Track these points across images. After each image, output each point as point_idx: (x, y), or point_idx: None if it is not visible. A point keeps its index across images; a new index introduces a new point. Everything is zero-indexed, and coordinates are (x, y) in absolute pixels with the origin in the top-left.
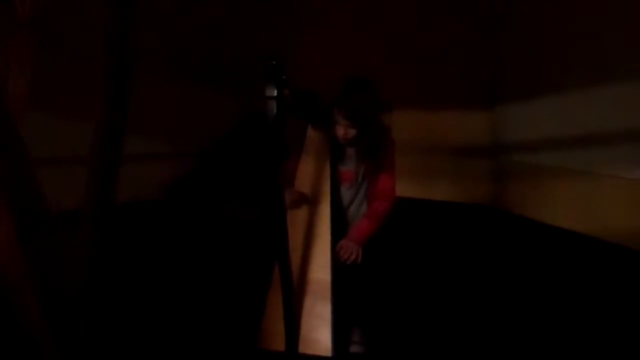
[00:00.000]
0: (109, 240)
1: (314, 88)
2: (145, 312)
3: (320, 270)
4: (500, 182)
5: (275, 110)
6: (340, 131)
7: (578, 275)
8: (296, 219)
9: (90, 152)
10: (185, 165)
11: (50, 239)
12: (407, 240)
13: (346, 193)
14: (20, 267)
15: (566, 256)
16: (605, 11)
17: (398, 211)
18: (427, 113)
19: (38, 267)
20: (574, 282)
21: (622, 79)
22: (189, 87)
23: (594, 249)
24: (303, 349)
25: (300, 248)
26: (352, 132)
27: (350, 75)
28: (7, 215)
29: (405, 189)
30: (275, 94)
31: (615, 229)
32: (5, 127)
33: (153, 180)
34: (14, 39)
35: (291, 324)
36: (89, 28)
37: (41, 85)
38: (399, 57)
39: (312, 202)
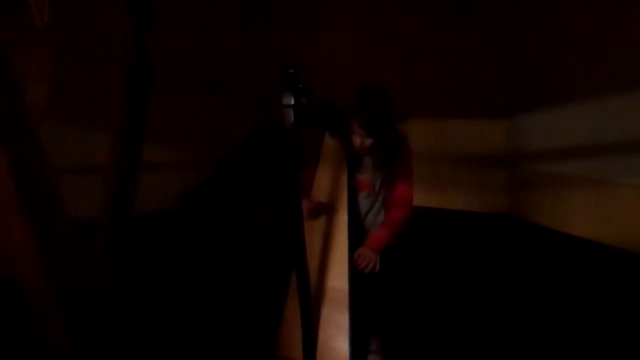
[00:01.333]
0: (127, 248)
1: (329, 95)
2: (163, 319)
3: (338, 279)
4: (517, 191)
5: (292, 119)
6: (357, 141)
7: (595, 283)
8: (313, 227)
9: (109, 161)
10: (203, 173)
11: (68, 246)
12: (425, 250)
13: (364, 201)
14: (39, 274)
15: (583, 265)
16: (623, 21)
17: (415, 221)
18: (444, 121)
19: (57, 274)
20: (590, 291)
21: (638, 87)
22: (206, 96)
23: (611, 257)
24: (320, 358)
25: (318, 256)
26: (368, 142)
27: (365, 83)
28: (26, 222)
29: (421, 198)
30: (293, 103)
31: (632, 237)
32: (25, 135)
33: (171, 189)
34: (32, 48)
35: (308, 332)
36: (107, 37)
37: (61, 94)
38: (416, 65)
39: (329, 210)
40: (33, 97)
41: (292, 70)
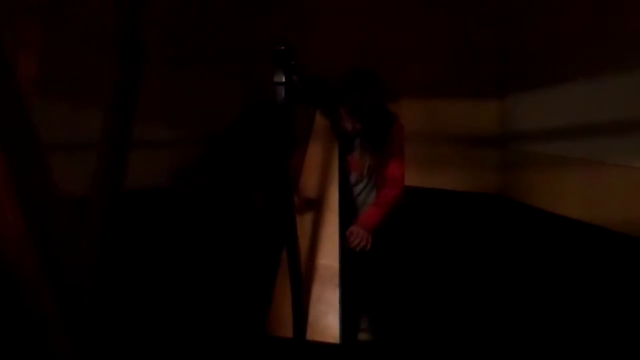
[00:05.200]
0: (117, 226)
1: (323, 74)
2: (153, 297)
3: (329, 257)
4: (508, 172)
5: (283, 97)
6: (347, 125)
7: (585, 264)
8: (304, 206)
9: (100, 138)
10: (194, 151)
11: (59, 224)
12: (416, 229)
13: (355, 181)
14: (30, 253)
15: (573, 245)
16: (616, 2)
17: (407, 200)
18: (437, 103)
19: (47, 251)
20: (580, 271)
21: (631, 69)
22: (197, 74)
23: (601, 238)
24: (311, 335)
25: (309, 234)
26: (358, 126)
27: (351, 68)
28: (17, 200)
29: (414, 178)
30: (284, 80)
31: (623, 218)
32: (15, 112)
33: (162, 167)
34: (23, 24)
35: (299, 310)
36: (98, 14)
37: (51, 71)
38: (409, 46)
39: (320, 188)
40: (23, 73)
41: (283, 47)
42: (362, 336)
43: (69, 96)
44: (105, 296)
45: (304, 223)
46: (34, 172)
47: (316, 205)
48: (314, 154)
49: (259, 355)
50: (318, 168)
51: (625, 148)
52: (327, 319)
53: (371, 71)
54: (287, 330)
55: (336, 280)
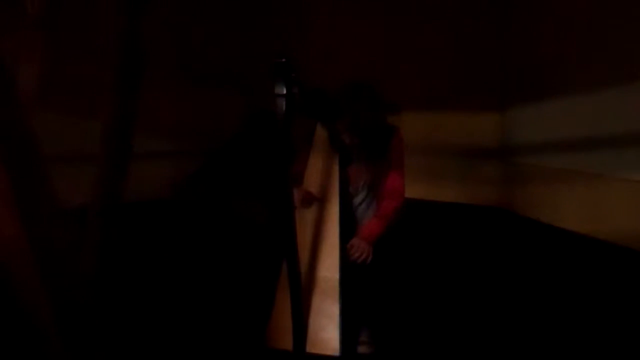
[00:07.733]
0: (117, 237)
1: (322, 86)
2: (153, 309)
3: (329, 269)
4: (509, 184)
5: (284, 108)
6: (346, 139)
7: (586, 277)
8: (305, 217)
9: (100, 150)
10: (195, 164)
11: (59, 235)
12: (417, 241)
13: (355, 193)
14: (30, 262)
15: (574, 259)
16: (614, 14)
17: (407, 212)
18: (437, 115)
19: (47, 263)
20: (582, 285)
21: (632, 81)
22: (198, 87)
23: (602, 251)
24: (311, 348)
25: (309, 247)
26: (357, 140)
27: (349, 82)
28: (17, 211)
29: (414, 190)
30: (285, 92)
31: (624, 231)
32: (16, 123)
33: (162, 179)
34: (24, 37)
35: (299, 323)
36: (99, 27)
37: (53, 83)
38: (409, 59)
39: (320, 200)
40: (24, 84)
41: (283, 60)
42: (362, 349)
43: (69, 107)
44: (104, 306)
45: (304, 235)
46: (34, 183)
47: (317, 217)
48: (315, 165)
49: None
50: (318, 180)
51: (627, 161)
52: (327, 331)
53: (369, 85)
54: (287, 342)
55: (336, 292)
